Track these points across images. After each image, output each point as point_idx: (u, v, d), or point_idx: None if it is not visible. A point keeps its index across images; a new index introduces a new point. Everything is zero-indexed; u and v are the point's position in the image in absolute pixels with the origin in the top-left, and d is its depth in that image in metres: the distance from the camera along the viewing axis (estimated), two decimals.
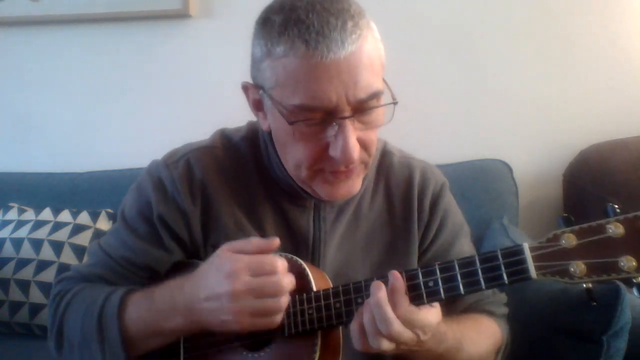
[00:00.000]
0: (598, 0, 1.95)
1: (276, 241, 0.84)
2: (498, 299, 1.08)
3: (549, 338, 1.15)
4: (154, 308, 0.87)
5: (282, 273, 0.80)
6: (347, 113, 0.80)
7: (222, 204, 0.96)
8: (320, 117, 0.81)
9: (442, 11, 2.02)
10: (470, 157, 1.93)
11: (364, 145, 0.85)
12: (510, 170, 1.89)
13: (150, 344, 0.90)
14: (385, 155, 1.07)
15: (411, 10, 1.99)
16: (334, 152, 0.82)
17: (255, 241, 0.83)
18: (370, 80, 0.80)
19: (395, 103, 0.85)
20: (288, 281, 0.81)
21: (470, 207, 1.77)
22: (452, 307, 0.99)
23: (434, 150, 1.97)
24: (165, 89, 2.17)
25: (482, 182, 1.87)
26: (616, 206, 0.67)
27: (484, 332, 1.01)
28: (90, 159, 2.17)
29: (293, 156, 0.87)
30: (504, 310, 1.08)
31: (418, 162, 1.08)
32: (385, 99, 0.85)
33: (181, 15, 2.11)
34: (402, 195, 1.04)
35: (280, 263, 0.81)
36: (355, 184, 0.91)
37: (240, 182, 0.99)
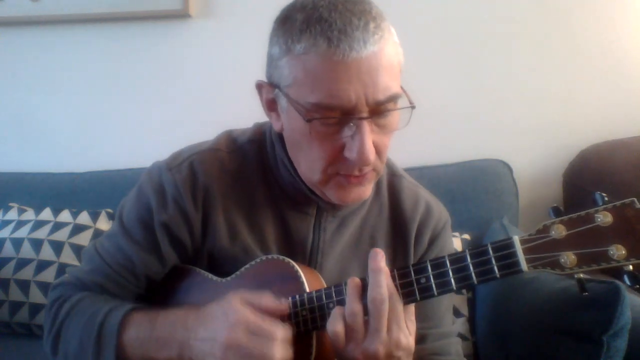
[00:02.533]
0: (598, 0, 1.95)
1: (286, 307, 0.83)
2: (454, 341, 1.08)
3: (548, 338, 1.14)
4: (153, 334, 0.86)
5: (279, 342, 0.78)
6: (365, 114, 0.79)
7: (222, 209, 0.95)
8: (337, 117, 0.79)
9: (442, 11, 2.02)
10: (470, 157, 1.93)
11: (377, 150, 0.83)
12: (510, 170, 1.89)
13: None
14: (394, 176, 1.07)
15: (410, 10, 1.99)
16: (349, 153, 0.81)
17: (266, 299, 0.82)
18: (389, 82, 0.79)
19: (412, 107, 0.84)
20: (282, 351, 0.77)
21: (470, 207, 1.78)
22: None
23: (434, 150, 1.99)
24: (165, 89, 2.18)
25: (482, 182, 1.86)
26: (604, 195, 0.67)
27: None
28: (90, 159, 2.18)
29: (307, 158, 0.86)
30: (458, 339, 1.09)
31: (424, 194, 1.08)
32: (401, 104, 0.84)
33: (181, 15, 2.11)
34: (404, 223, 1.04)
35: (281, 331, 0.78)
36: (366, 190, 0.90)
37: (244, 187, 0.97)
